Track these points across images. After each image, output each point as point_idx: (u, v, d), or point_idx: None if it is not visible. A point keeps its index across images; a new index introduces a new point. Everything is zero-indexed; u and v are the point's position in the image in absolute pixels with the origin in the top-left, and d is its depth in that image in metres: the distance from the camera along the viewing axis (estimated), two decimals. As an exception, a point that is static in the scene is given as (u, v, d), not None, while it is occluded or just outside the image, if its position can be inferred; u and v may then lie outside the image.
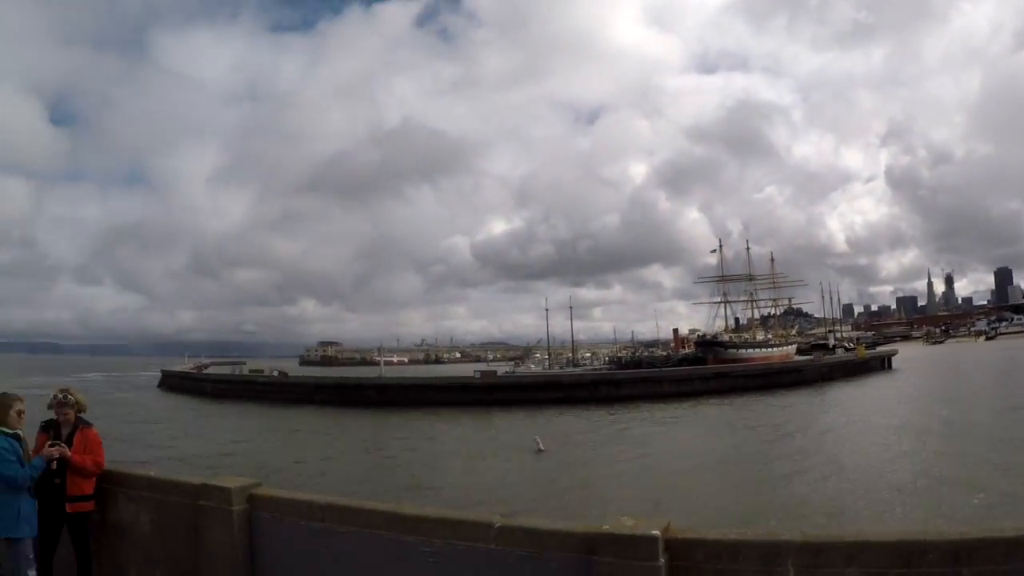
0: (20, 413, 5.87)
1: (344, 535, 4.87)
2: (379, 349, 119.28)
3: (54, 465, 5.90)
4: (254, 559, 5.36)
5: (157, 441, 33.48)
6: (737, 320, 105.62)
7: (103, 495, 6.27)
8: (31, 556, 5.69)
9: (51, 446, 5.93)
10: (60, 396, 6.27)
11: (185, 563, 5.73)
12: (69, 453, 5.97)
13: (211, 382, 68.18)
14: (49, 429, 6.11)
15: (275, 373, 69.37)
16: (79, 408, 6.29)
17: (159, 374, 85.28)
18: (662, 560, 3.65)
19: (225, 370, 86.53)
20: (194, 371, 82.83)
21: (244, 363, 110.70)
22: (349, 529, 4.85)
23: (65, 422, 6.18)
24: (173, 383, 76.14)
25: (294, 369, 73.75)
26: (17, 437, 5.76)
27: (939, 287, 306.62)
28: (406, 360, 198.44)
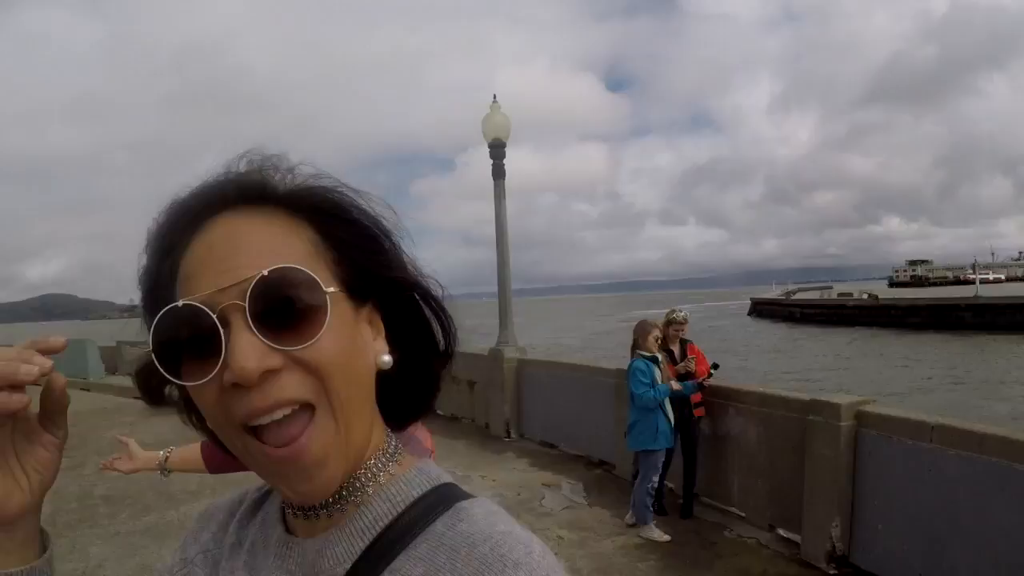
0: (656, 339, 6.53)
1: (950, 458, 4.61)
2: (973, 266, 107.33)
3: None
4: (856, 475, 5.33)
5: (753, 364, 34.95)
6: None
7: (713, 407, 6.80)
8: (659, 464, 6.39)
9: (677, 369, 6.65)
10: (675, 315, 6.90)
11: (787, 474, 5.99)
12: (693, 366, 6.64)
13: (799, 307, 68.39)
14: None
15: (864, 296, 66.44)
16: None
17: (748, 302, 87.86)
18: None
19: (812, 295, 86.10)
20: (782, 297, 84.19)
21: (831, 287, 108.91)
22: (957, 452, 4.57)
23: (674, 338, 6.78)
24: (762, 310, 77.88)
25: (883, 292, 69.74)
26: (655, 360, 6.43)
27: None
28: (1003, 277, 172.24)
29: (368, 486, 0.74)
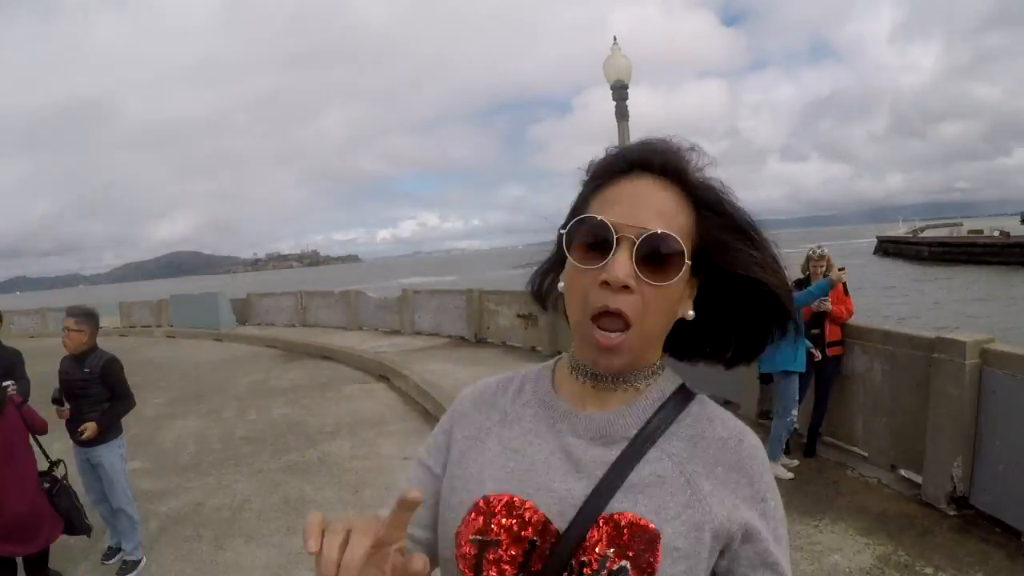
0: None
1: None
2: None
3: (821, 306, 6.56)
4: (979, 414, 5.30)
5: (876, 304, 33.76)
6: None
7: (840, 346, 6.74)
8: (796, 393, 6.45)
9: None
10: (814, 252, 6.90)
11: (910, 412, 5.99)
12: (829, 306, 6.58)
13: (927, 245, 65.29)
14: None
15: (995, 233, 62.39)
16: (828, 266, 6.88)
17: (874, 240, 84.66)
18: None
19: (941, 232, 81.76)
20: (909, 235, 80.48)
21: (961, 224, 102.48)
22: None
23: (815, 275, 6.76)
24: (888, 248, 74.83)
25: (1016, 228, 65.19)
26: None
27: None
28: None
29: (648, 380, 1.06)
